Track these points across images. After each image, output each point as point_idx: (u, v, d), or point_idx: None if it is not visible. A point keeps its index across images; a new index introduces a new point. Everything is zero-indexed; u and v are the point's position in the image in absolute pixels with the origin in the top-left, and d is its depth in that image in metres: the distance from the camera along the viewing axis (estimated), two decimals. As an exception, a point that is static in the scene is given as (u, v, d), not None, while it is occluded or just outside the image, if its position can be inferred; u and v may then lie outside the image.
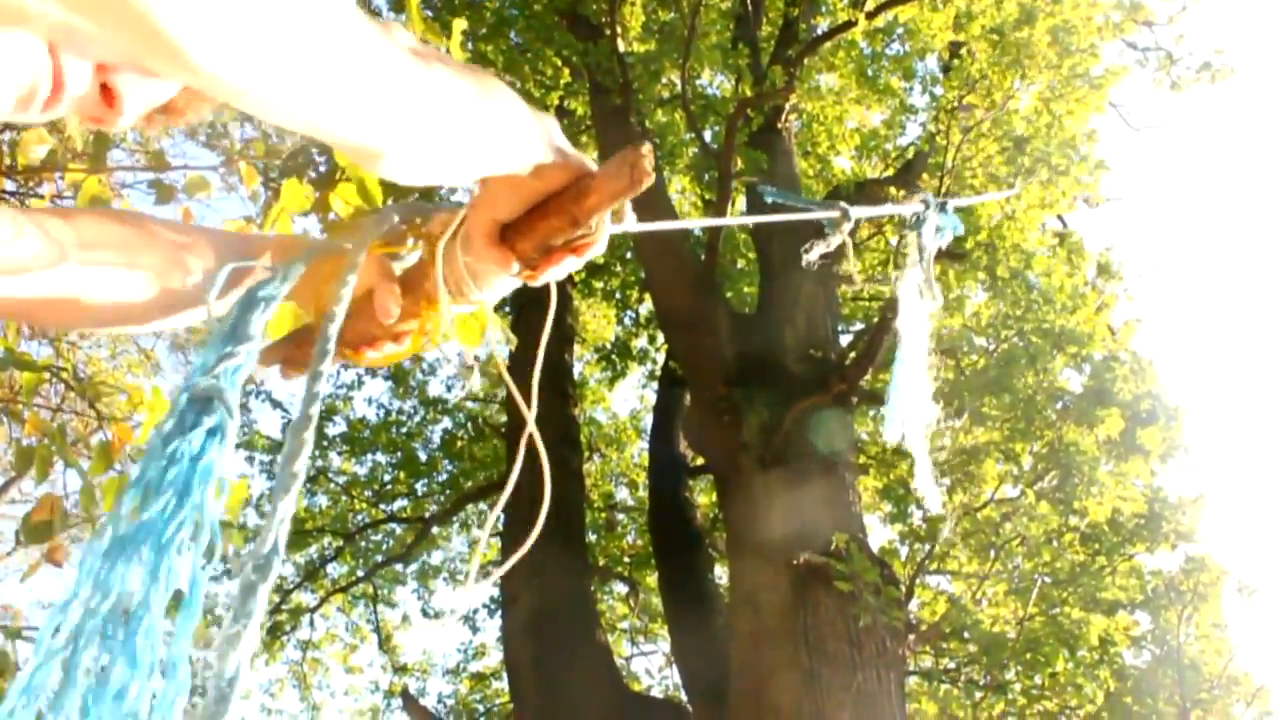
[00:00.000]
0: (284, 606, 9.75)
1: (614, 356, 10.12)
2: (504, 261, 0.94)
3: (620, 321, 9.99)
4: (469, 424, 10.08)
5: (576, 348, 10.22)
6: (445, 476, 10.22)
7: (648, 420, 10.38)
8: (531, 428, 1.00)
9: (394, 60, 0.72)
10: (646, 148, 0.90)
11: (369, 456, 10.29)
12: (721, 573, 8.13)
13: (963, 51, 9.01)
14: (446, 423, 10.28)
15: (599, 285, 9.96)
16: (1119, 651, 7.37)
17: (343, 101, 0.69)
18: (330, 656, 10.59)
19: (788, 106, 9.32)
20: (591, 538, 9.68)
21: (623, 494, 10.54)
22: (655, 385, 9.81)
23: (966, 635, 7.04)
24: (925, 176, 9.14)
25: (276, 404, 9.72)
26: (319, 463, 10.00)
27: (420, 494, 10.18)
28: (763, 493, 6.56)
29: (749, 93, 8.77)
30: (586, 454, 9.98)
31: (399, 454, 10.08)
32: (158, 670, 0.67)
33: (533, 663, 7.34)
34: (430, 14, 9.00)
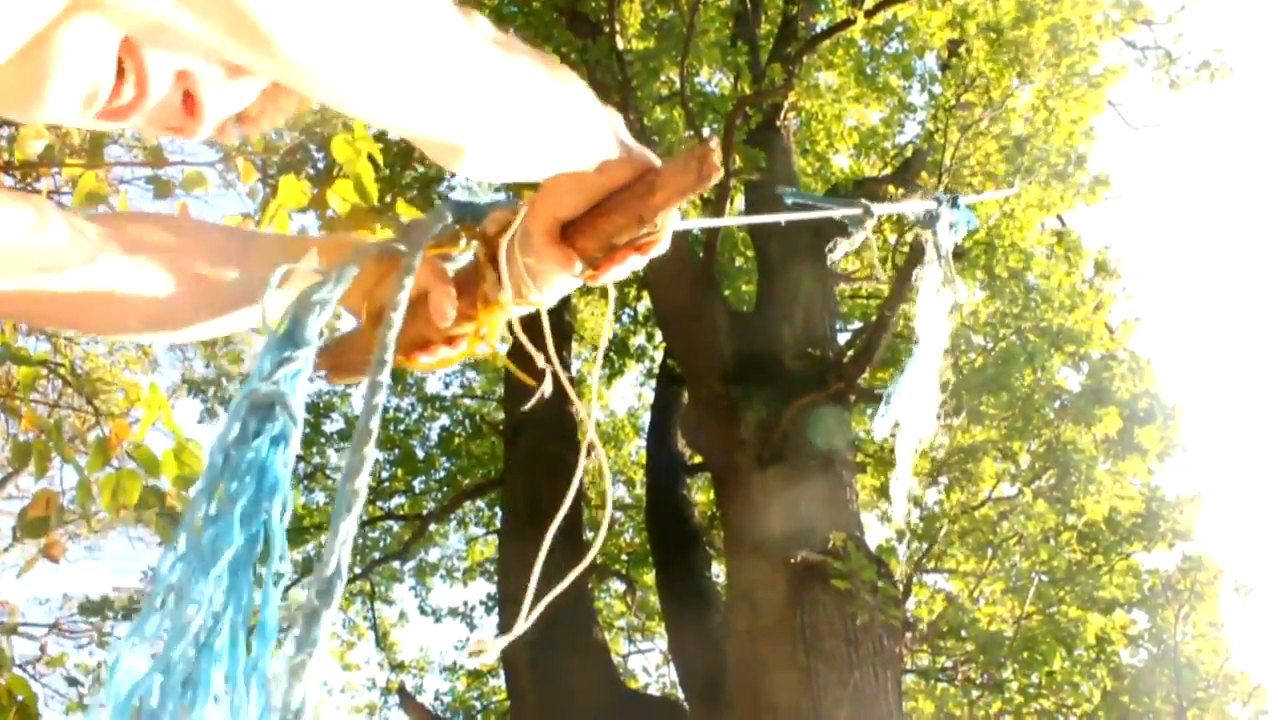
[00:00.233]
0: (281, 604, 9.70)
1: (612, 354, 10.13)
2: (567, 261, 0.91)
3: (618, 319, 9.99)
4: (466, 421, 10.08)
5: (574, 345, 10.22)
6: (442, 474, 10.22)
7: (645, 418, 10.38)
8: (593, 435, 1.00)
9: (480, 53, 0.70)
10: (715, 143, 0.88)
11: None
12: (719, 571, 8.14)
13: (961, 50, 9.00)
14: (444, 420, 10.29)
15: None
16: (1116, 650, 7.37)
17: (430, 96, 0.68)
18: (327, 653, 10.53)
19: (786, 104, 9.31)
20: (589, 535, 9.70)
21: (620, 492, 10.54)
22: (653, 383, 9.81)
23: (964, 634, 7.05)
24: (924, 175, 9.14)
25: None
26: (316, 459, 9.99)
27: (418, 491, 10.18)
28: (760, 491, 6.56)
29: (748, 90, 8.77)
30: (586, 452, 9.95)
31: (396, 451, 10.07)
32: (243, 693, 0.66)
33: (530, 661, 7.34)
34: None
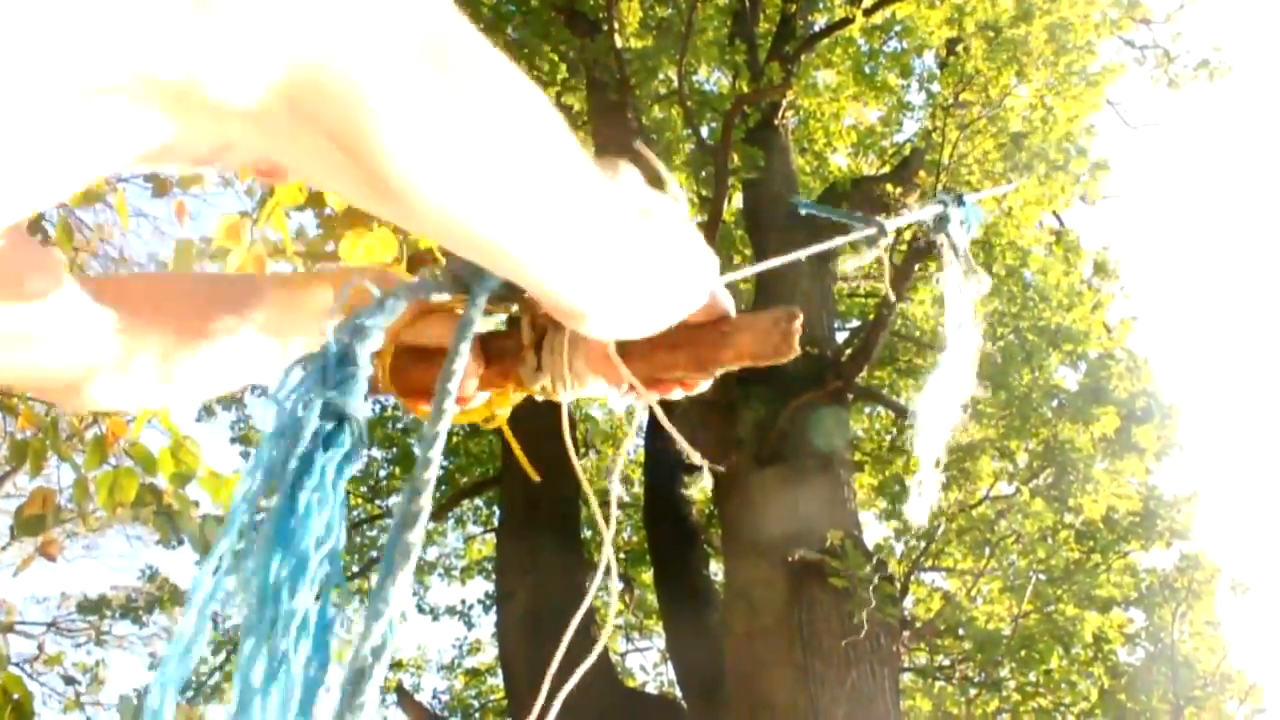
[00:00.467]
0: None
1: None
2: (616, 379, 0.88)
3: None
4: (465, 420, 10.07)
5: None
6: (441, 472, 10.22)
7: (644, 417, 10.38)
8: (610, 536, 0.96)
9: (622, 221, 0.67)
10: (799, 320, 0.85)
11: (364, 451, 10.28)
12: (717, 569, 8.14)
13: (959, 48, 9.01)
14: (443, 418, 10.25)
15: (595, 281, 9.97)
16: (1113, 649, 7.38)
17: (566, 264, 0.64)
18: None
19: (784, 103, 9.31)
20: (587, 534, 9.70)
21: (618, 490, 10.52)
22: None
23: (961, 632, 7.06)
24: (922, 173, 9.14)
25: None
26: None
27: (415, 489, 10.17)
28: (758, 490, 6.57)
29: (746, 89, 8.77)
30: (583, 450, 9.99)
31: (394, 449, 10.06)
32: None
33: (527, 659, 7.35)
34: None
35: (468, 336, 0.79)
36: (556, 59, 9.06)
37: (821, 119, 10.18)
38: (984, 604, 7.71)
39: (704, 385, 0.90)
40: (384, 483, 10.38)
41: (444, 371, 0.77)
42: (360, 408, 0.70)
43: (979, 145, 9.08)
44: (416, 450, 0.72)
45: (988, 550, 7.46)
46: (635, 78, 8.67)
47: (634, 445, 10.74)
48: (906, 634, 6.47)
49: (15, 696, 2.62)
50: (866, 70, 10.33)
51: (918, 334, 9.02)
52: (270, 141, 0.48)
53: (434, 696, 10.67)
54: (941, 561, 7.89)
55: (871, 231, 1.77)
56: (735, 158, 8.11)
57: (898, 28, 10.13)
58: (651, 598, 9.17)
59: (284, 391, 0.68)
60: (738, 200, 9.41)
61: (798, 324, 0.85)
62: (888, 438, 8.26)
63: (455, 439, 10.02)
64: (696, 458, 0.94)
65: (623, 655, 10.30)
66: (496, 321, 0.93)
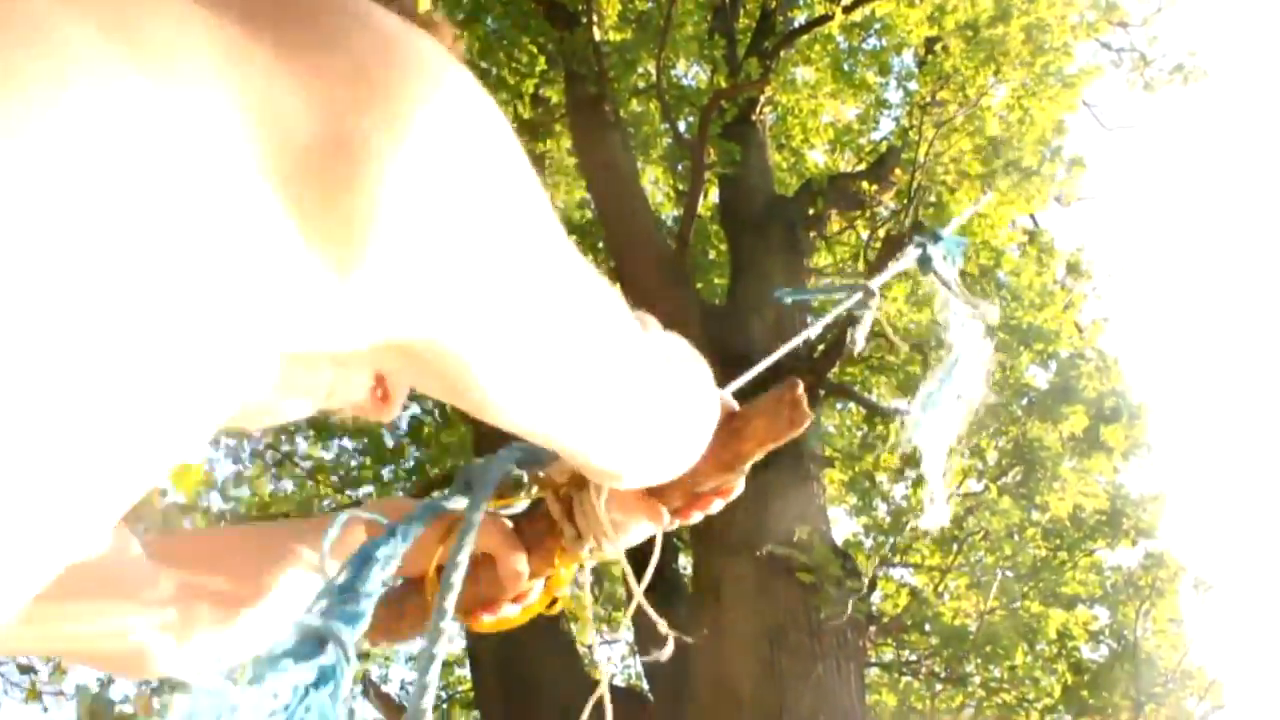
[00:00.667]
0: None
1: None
2: (655, 514, 0.90)
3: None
4: (436, 410, 10.05)
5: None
6: (412, 463, 10.18)
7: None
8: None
9: (659, 387, 0.73)
10: (801, 387, 0.88)
11: (335, 442, 10.22)
12: (686, 563, 8.15)
13: (938, 47, 9.05)
14: (415, 409, 10.25)
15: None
16: (1077, 646, 7.45)
17: (611, 437, 0.70)
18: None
19: (763, 99, 9.33)
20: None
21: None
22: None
23: (927, 628, 7.11)
24: (898, 171, 9.18)
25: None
26: (285, 447, 9.93)
27: (386, 480, 10.13)
28: (728, 484, 6.59)
29: (724, 84, 8.78)
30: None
31: (366, 440, 10.03)
32: None
33: (495, 650, 7.34)
34: None
35: (466, 545, 0.80)
36: (535, 50, 9.04)
37: (799, 115, 10.20)
38: (951, 600, 7.76)
39: (740, 485, 0.92)
40: (355, 473, 10.34)
41: (442, 586, 0.78)
42: (355, 633, 0.72)
43: (955, 144, 9.13)
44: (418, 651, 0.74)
45: (955, 547, 7.51)
46: (614, 71, 8.66)
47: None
48: (873, 630, 6.51)
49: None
50: (845, 67, 10.35)
51: (892, 331, 9.05)
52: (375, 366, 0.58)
53: (401, 687, 10.65)
54: (909, 558, 7.93)
55: (859, 295, 1.78)
56: (712, 153, 8.12)
57: (877, 25, 10.15)
58: (621, 591, 9.19)
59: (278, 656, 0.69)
60: (714, 196, 9.42)
61: (800, 391, 0.87)
62: (859, 434, 8.30)
63: (427, 430, 9.98)
64: (663, 626, 1.01)
65: (590, 648, 10.28)
66: (524, 504, 0.93)
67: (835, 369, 7.15)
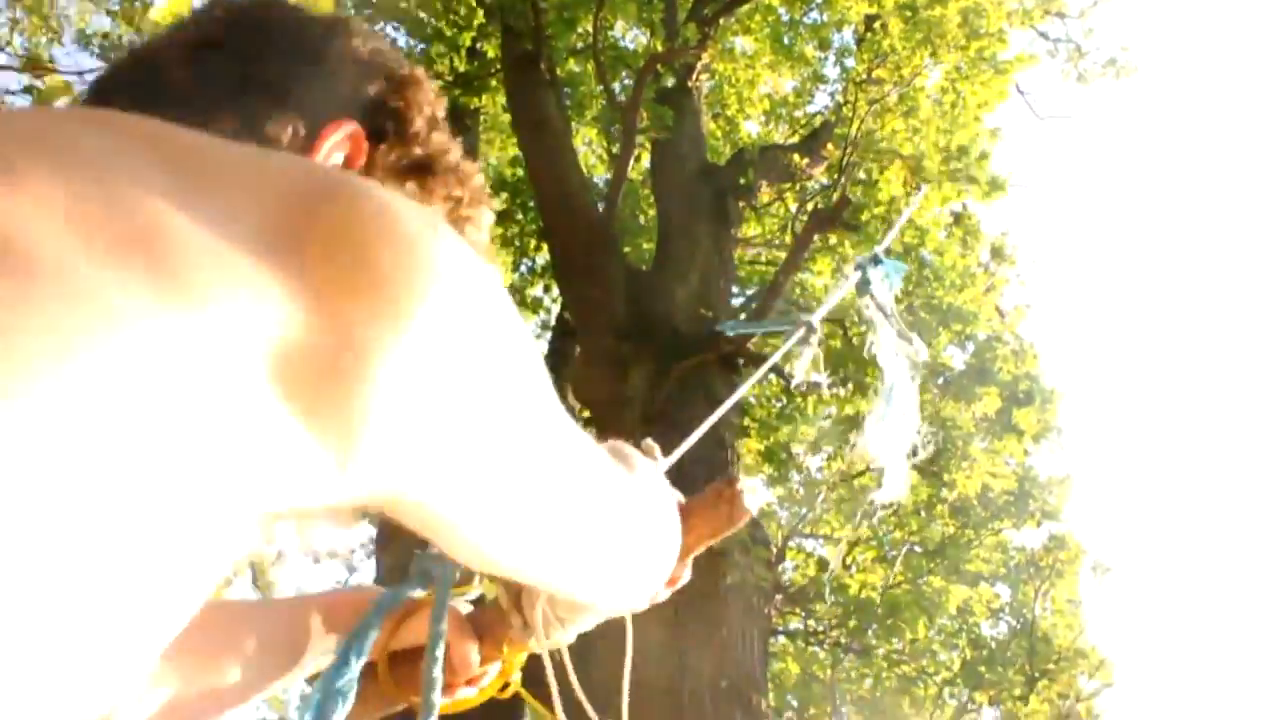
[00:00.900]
0: None
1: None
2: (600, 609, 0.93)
3: (517, 269, 9.91)
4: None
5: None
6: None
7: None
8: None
9: (630, 531, 0.78)
10: (741, 484, 0.91)
11: None
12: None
13: (877, 25, 9.07)
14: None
15: (499, 231, 9.85)
16: (978, 622, 7.61)
17: (587, 578, 0.76)
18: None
19: (700, 66, 9.28)
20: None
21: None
22: (549, 336, 9.77)
23: (834, 599, 7.20)
24: (830, 146, 9.21)
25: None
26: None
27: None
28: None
29: (661, 48, 8.71)
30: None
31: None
32: None
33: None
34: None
35: (440, 633, 0.85)
36: (473, 3, 8.89)
37: (736, 85, 10.18)
38: (858, 573, 7.87)
39: (688, 573, 0.97)
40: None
41: (423, 693, 0.82)
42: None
43: (888, 124, 9.18)
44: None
45: (864, 521, 7.61)
46: (551, 29, 8.54)
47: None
48: (779, 597, 6.58)
49: None
50: (785, 40, 10.33)
51: (815, 305, 9.10)
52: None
53: None
54: (819, 529, 8.03)
55: (801, 332, 1.77)
56: (645, 117, 8.06)
57: (819, 0, 10.16)
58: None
59: None
60: (645, 161, 9.37)
61: (739, 487, 0.90)
62: (777, 405, 8.35)
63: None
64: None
65: None
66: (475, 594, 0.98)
67: (755, 339, 7.17)
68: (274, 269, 0.51)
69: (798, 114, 10.55)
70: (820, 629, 7.57)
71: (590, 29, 8.66)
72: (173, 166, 0.53)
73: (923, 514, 7.70)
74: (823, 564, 7.75)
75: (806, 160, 9.16)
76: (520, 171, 9.64)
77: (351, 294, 0.51)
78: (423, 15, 8.84)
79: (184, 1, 2.68)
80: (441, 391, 0.54)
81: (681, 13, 9.60)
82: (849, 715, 7.82)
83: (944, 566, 7.60)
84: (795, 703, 7.91)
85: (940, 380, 7.99)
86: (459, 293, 0.56)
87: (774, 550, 6.55)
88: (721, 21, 9.61)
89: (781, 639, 8.06)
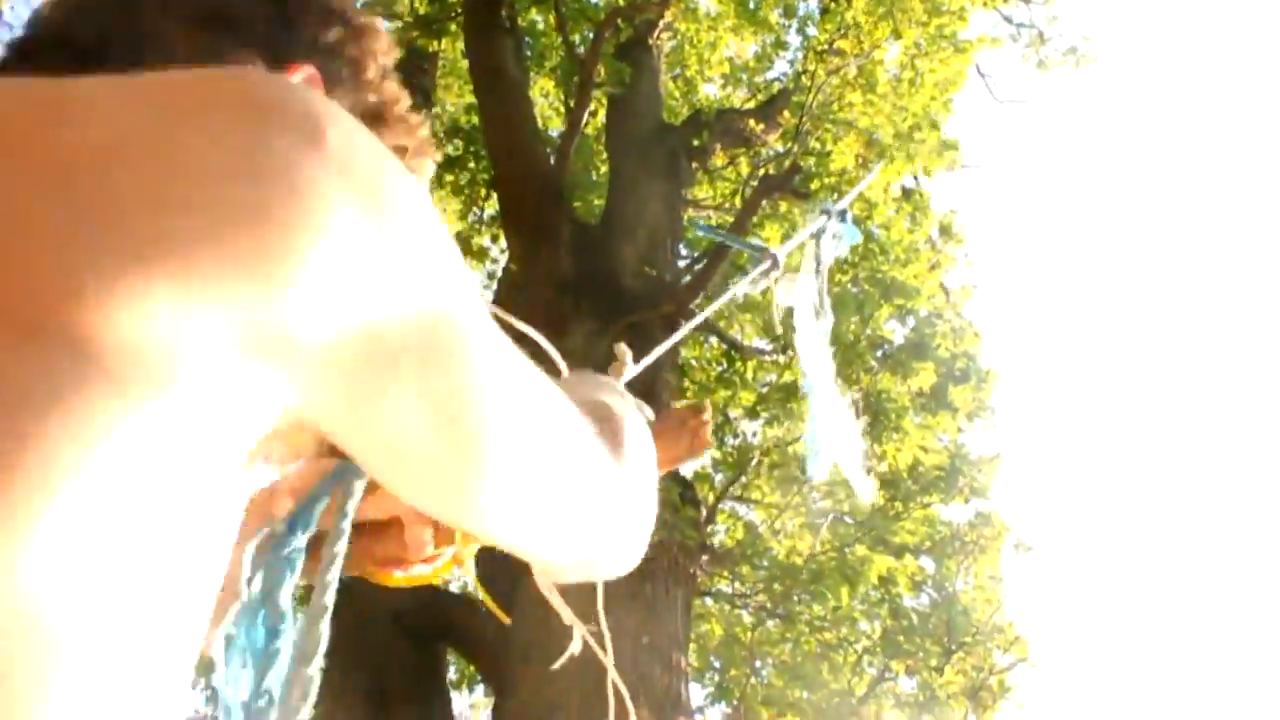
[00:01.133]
0: None
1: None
2: None
3: (465, 217, 9.82)
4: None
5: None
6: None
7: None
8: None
9: (617, 504, 0.76)
10: (708, 413, 0.89)
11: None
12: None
13: (841, -4, 9.06)
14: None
15: (451, 178, 9.74)
16: (899, 593, 7.72)
17: (570, 548, 0.74)
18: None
19: (661, 24, 9.21)
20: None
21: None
22: (494, 287, 9.70)
23: (760, 563, 7.27)
24: (786, 113, 9.20)
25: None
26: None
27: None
28: (579, 402, 6.59)
29: (622, 3, 8.64)
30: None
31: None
32: None
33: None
34: None
35: (346, 520, 0.83)
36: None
37: (697, 46, 10.12)
38: (785, 539, 7.95)
39: None
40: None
41: (329, 539, 0.81)
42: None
43: (846, 95, 9.19)
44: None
45: (795, 487, 7.68)
46: (514, -25, 8.43)
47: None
48: (705, 558, 6.62)
49: None
50: (749, 4, 10.27)
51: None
52: None
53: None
54: (749, 493, 8.09)
55: (766, 265, 1.75)
56: (601, 70, 7.99)
57: (788, -34, 10.10)
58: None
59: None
60: (601, 116, 9.31)
61: (705, 415, 0.87)
62: (717, 369, 8.38)
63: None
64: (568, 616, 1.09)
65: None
66: None
67: (699, 300, 7.18)
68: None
69: (757, 79, 10.51)
70: (746, 592, 7.65)
71: (553, -22, 8.56)
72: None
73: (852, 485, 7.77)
74: (750, 528, 7.81)
75: (763, 126, 9.15)
76: (475, 119, 9.54)
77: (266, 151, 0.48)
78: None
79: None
80: (380, 229, 0.50)
81: (646, -32, 9.52)
82: (769, 677, 7.93)
83: (870, 537, 7.69)
84: (717, 663, 8.00)
85: (879, 353, 8.05)
86: (395, 168, 0.53)
87: (704, 512, 6.59)
88: (687, -20, 9.55)
89: (708, 601, 8.13)
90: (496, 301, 9.55)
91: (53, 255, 0.43)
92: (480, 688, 8.65)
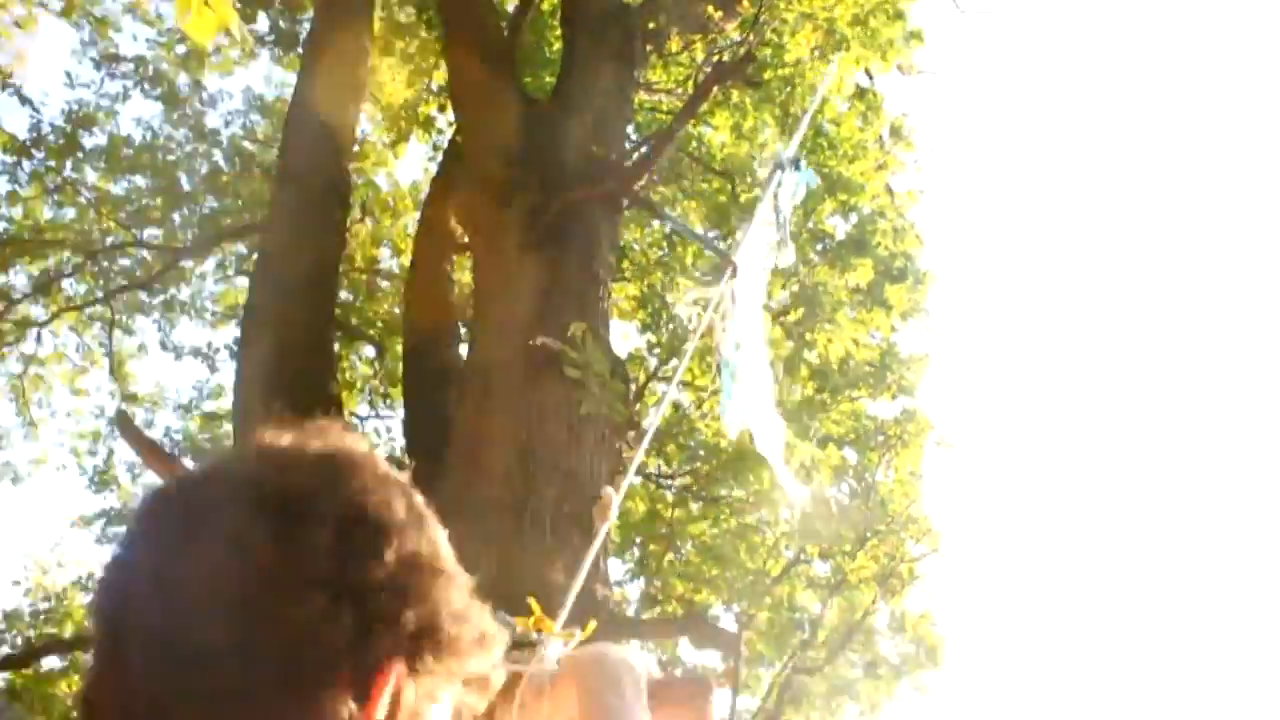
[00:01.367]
0: (9, 317, 9.25)
1: (401, 120, 9.81)
2: None
3: (413, 85, 9.66)
4: (238, 159, 9.62)
5: (368, 106, 9.83)
6: (206, 211, 9.79)
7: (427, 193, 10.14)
8: None
9: None
10: (713, 692, 1.03)
11: (127, 178, 9.71)
12: (464, 350, 8.19)
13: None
14: (217, 156, 9.79)
15: (400, 45, 9.55)
16: (822, 480, 7.92)
17: None
18: (55, 375, 10.18)
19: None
20: (348, 297, 9.57)
21: (391, 262, 10.39)
22: (440, 158, 9.60)
23: (686, 443, 7.41)
24: (745, 2, 9.08)
25: (25, 100, 8.97)
26: (70, 173, 9.38)
27: (176, 224, 9.73)
28: (517, 273, 6.59)
29: None
30: (360, 215, 9.75)
31: (159, 179, 9.55)
32: None
33: (264, 403, 7.27)
34: None
35: None
36: None
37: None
38: (712, 420, 8.08)
39: None
40: (144, 212, 9.87)
41: None
42: None
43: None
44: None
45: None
46: None
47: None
48: (632, 434, 6.73)
49: None
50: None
51: (710, 160, 9.10)
52: None
53: (165, 434, 10.49)
54: (680, 375, 8.19)
55: (726, 270, 1.76)
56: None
57: None
58: (400, 368, 9.20)
59: None
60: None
61: (712, 696, 1.01)
62: (658, 253, 8.41)
63: (226, 180, 9.60)
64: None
65: (364, 419, 10.35)
66: None
67: (642, 182, 7.18)
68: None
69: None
70: (670, 472, 7.81)
71: None
72: None
73: (786, 374, 7.90)
74: (678, 407, 7.93)
75: (721, 13, 9.02)
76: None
77: None
78: None
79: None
80: None
81: None
82: (688, 555, 8.14)
83: (799, 426, 7.86)
84: (638, 539, 8.19)
85: (819, 246, 8.12)
86: None
87: (633, 389, 6.67)
88: None
89: (639, 480, 8.28)
90: (442, 173, 9.47)
91: None
92: None
